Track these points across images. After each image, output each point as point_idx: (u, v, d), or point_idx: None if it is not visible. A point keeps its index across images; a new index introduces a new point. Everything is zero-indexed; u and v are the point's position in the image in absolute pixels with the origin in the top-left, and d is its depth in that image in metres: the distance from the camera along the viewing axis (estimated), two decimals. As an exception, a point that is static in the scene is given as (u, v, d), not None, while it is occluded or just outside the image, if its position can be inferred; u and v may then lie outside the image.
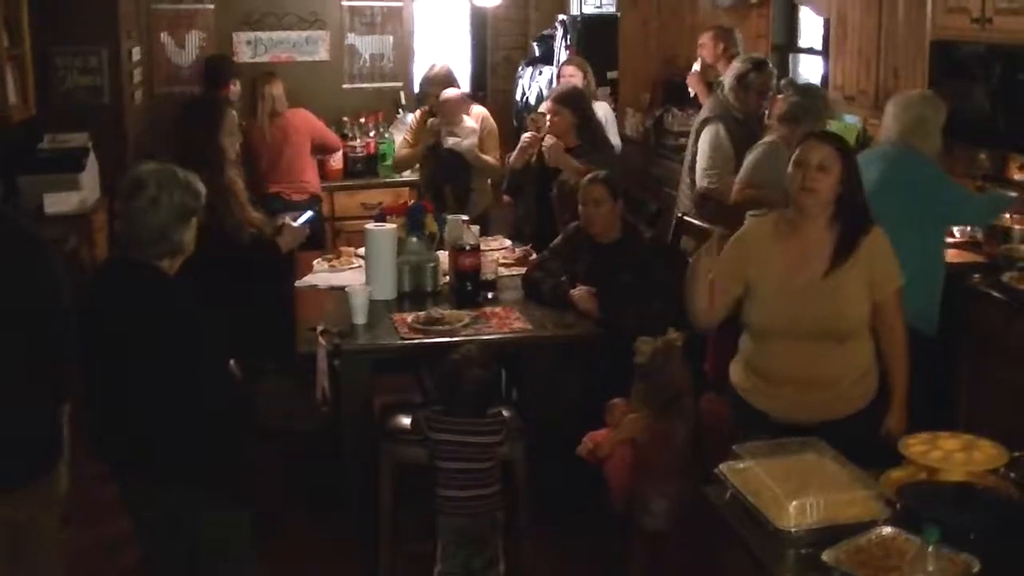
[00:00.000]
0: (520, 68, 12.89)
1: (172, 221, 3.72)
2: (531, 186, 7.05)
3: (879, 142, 5.42)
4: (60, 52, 7.68)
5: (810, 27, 8.77)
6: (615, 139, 7.95)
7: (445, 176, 7.44)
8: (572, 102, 7.01)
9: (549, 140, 6.82)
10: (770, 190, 5.50)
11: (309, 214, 6.10)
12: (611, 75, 10.90)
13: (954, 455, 3.21)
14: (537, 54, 12.88)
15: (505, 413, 4.90)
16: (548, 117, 6.92)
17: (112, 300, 3.74)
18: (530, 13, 13.66)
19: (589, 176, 5.88)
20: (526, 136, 7.03)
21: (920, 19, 6.32)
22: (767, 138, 6.36)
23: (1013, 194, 5.91)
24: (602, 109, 8.06)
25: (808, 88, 6.55)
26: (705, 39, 8.19)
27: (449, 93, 7.51)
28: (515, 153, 7.09)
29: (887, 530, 2.95)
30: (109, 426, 3.76)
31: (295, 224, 5.64)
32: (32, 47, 7.13)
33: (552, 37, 12.50)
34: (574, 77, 7.92)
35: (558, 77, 8.19)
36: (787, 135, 6.02)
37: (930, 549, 2.53)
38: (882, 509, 3.08)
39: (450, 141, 7.44)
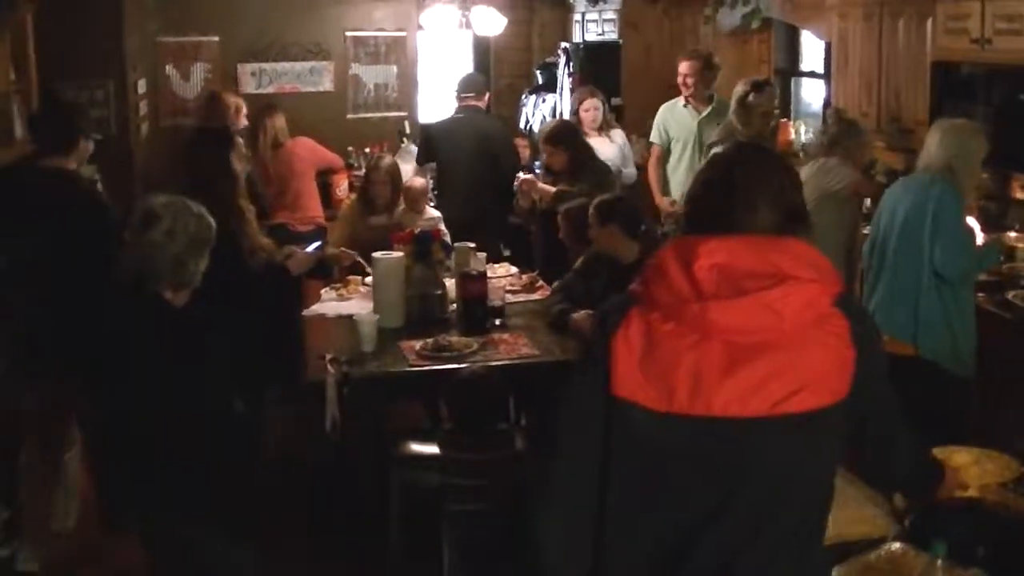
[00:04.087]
0: (523, 96, 12.97)
1: (188, 252, 3.75)
2: (533, 217, 7.15)
3: (918, 168, 5.30)
4: (66, 86, 7.71)
5: (811, 51, 8.82)
6: (631, 168, 8.08)
7: None
8: (564, 138, 7.32)
9: (521, 175, 6.98)
10: None
11: (318, 244, 6.13)
12: (615, 102, 10.94)
13: (968, 469, 3.22)
14: (540, 82, 12.96)
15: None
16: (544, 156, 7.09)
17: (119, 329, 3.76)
18: (533, 40, 13.74)
19: (596, 201, 5.92)
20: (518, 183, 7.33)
21: (920, 41, 6.37)
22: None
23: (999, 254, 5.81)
24: (620, 137, 8.25)
25: (852, 121, 6.50)
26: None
27: (416, 182, 7.58)
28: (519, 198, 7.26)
29: (896, 546, 2.96)
30: (117, 452, 3.78)
31: (305, 251, 5.66)
32: (38, 81, 7.15)
33: (555, 65, 12.56)
34: (598, 110, 8.22)
35: (576, 112, 8.26)
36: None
37: (939, 564, 2.54)
38: (891, 526, 3.09)
39: None
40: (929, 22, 6.26)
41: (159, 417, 3.64)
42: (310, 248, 5.80)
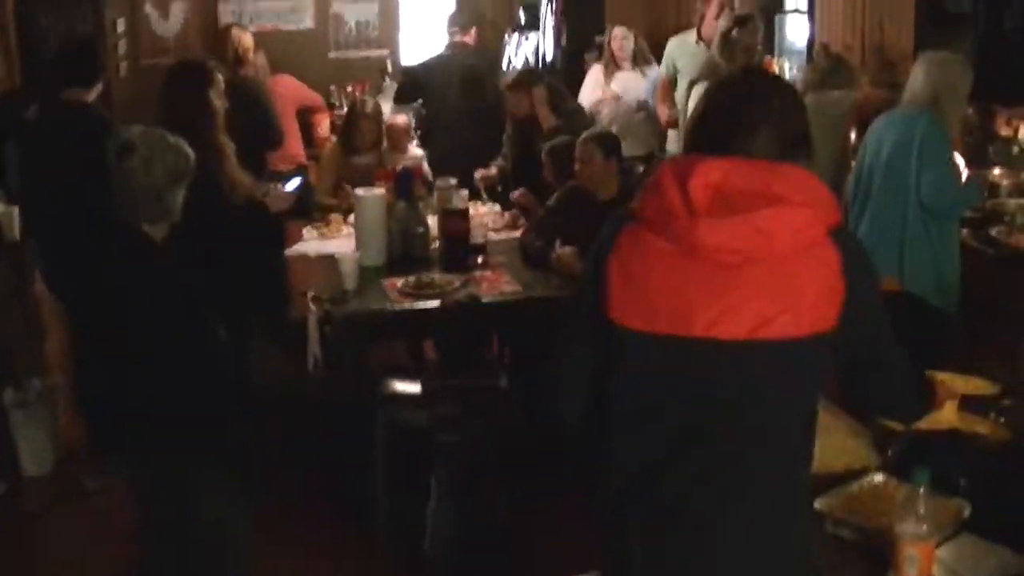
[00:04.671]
0: (506, 36, 12.85)
1: (165, 184, 3.70)
2: (513, 148, 7.06)
3: (903, 102, 5.23)
4: (43, 20, 7.59)
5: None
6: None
7: None
8: (529, 79, 7.10)
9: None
10: None
11: (298, 180, 6.07)
12: (598, 39, 10.86)
13: (953, 381, 3.21)
14: (523, 21, 12.84)
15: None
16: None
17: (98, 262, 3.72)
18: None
19: (583, 135, 5.87)
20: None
21: (904, -32, 6.33)
22: None
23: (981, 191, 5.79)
24: (654, 72, 8.16)
25: (839, 57, 6.44)
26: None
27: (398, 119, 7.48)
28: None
29: (878, 477, 2.98)
30: (98, 394, 3.75)
31: (284, 189, 5.61)
32: (15, 18, 7.06)
33: (538, 3, 12.46)
34: (627, 39, 8.19)
35: (608, 42, 8.19)
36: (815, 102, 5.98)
37: (920, 492, 2.54)
38: (873, 457, 3.10)
39: None
40: (915, -49, 6.23)
41: (140, 350, 3.61)
42: (290, 185, 5.75)
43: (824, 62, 6.25)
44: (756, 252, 2.28)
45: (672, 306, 2.33)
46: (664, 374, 2.38)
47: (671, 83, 7.92)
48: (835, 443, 3.09)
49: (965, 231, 5.49)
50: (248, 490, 3.95)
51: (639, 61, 8.18)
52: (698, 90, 6.91)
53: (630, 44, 8.17)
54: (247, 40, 7.42)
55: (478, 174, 7.00)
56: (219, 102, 5.19)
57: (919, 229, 5.01)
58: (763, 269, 2.28)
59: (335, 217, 6.52)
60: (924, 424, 2.97)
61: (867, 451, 3.12)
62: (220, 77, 5.34)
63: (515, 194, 6.66)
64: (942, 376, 3.14)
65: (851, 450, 3.11)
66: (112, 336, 3.65)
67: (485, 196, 7.05)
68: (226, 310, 3.93)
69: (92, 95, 5.83)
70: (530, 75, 7.32)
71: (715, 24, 7.63)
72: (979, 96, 5.71)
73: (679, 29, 8.22)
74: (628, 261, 2.40)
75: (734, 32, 6.93)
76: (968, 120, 6.24)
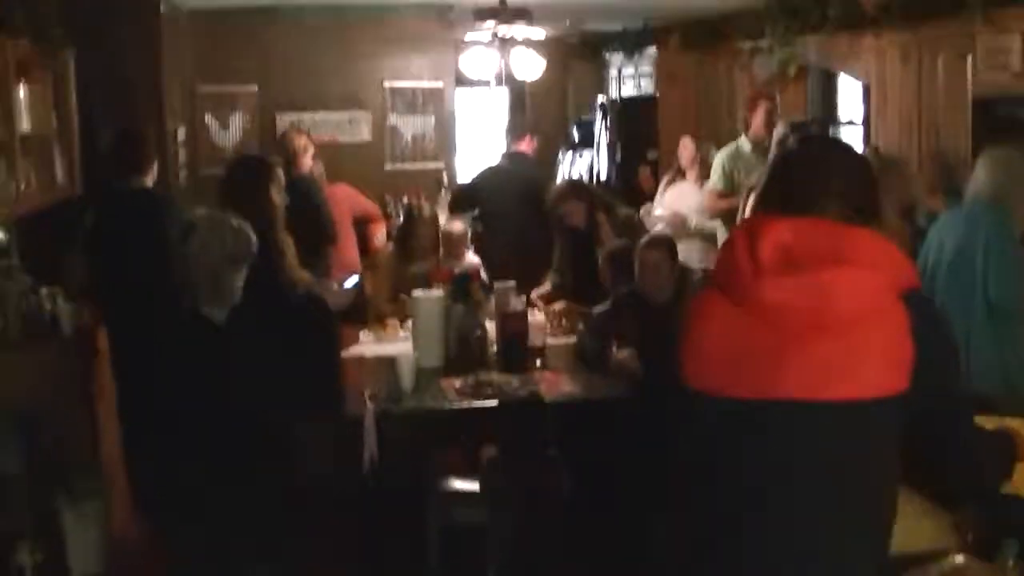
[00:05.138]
0: (560, 154, 13.01)
1: (223, 265, 3.72)
2: (567, 259, 7.07)
3: (966, 200, 5.21)
4: (107, 132, 7.72)
5: (848, 99, 8.79)
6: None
7: None
8: (577, 191, 7.18)
9: None
10: None
11: (356, 278, 6.09)
12: (651, 155, 10.95)
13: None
14: (576, 139, 13.01)
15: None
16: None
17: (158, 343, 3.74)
18: (568, 97, 13.81)
19: (647, 239, 5.86)
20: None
21: (960, 78, 6.33)
22: None
23: None
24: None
25: (889, 157, 6.41)
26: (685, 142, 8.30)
27: (455, 227, 7.51)
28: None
29: (959, 559, 2.88)
30: (152, 483, 3.74)
31: (343, 287, 5.62)
32: (80, 126, 7.20)
33: (591, 122, 12.62)
34: (688, 149, 8.43)
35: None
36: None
37: (1010, 564, 2.45)
38: (954, 538, 3.01)
39: None
40: (968, 58, 6.23)
41: (194, 427, 3.60)
42: (348, 283, 5.76)
43: (874, 162, 6.23)
44: (819, 312, 2.25)
45: (732, 367, 2.32)
46: (724, 435, 2.36)
47: (720, 195, 7.86)
48: (910, 524, 3.00)
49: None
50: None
51: (702, 173, 8.21)
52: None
53: (692, 154, 8.27)
54: (302, 140, 7.53)
55: (534, 293, 6.96)
56: (279, 198, 5.22)
57: (986, 328, 4.93)
58: (827, 330, 2.25)
59: (392, 322, 6.52)
60: (1009, 489, 2.87)
61: (946, 533, 3.03)
62: (280, 173, 5.38)
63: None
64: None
65: (928, 531, 3.02)
66: (169, 418, 3.64)
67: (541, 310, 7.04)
68: (281, 397, 3.92)
69: (149, 180, 6.14)
70: (578, 186, 7.39)
71: (762, 129, 7.67)
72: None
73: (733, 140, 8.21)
74: (695, 322, 2.42)
75: (791, 140, 6.90)
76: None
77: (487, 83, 9.79)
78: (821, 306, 2.24)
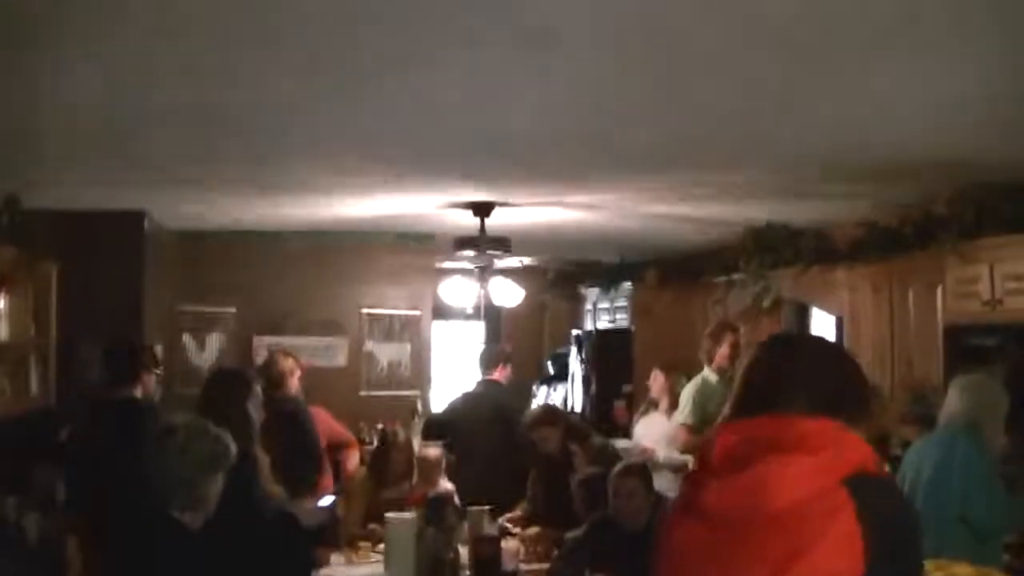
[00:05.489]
0: (535, 387, 13.07)
1: (200, 471, 3.70)
2: (541, 486, 7.04)
3: (939, 425, 5.28)
4: (84, 345, 7.75)
5: (821, 330, 8.90)
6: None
7: None
8: (552, 418, 7.27)
9: None
10: None
11: (331, 498, 6.03)
12: (626, 389, 11.01)
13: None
14: (552, 372, 13.08)
15: None
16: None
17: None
18: (544, 331, 13.95)
19: (621, 467, 5.85)
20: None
21: (930, 308, 6.44)
22: None
23: None
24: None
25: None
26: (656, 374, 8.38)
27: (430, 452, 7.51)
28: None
29: None
30: None
31: (316, 506, 5.56)
32: (57, 338, 7.22)
33: (566, 355, 12.71)
34: (656, 381, 8.48)
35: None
36: None
37: None
38: None
39: None
40: (939, 289, 6.35)
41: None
42: (322, 502, 5.70)
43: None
44: (755, 507, 2.19)
45: (680, 571, 2.31)
46: None
47: (690, 429, 7.77)
48: None
49: (1007, 556, 5.36)
50: None
51: (672, 406, 8.23)
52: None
53: (661, 386, 8.31)
54: (288, 363, 7.55)
55: (503, 519, 6.91)
56: (256, 412, 5.22)
57: (961, 550, 4.88)
58: (766, 526, 2.18)
59: (364, 545, 6.42)
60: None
61: None
62: (259, 388, 5.40)
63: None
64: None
65: None
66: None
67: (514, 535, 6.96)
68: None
69: (137, 391, 6.13)
70: (553, 412, 7.43)
71: (726, 360, 7.74)
72: (1013, 423, 5.69)
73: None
74: (660, 539, 2.41)
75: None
76: (1005, 448, 6.21)
77: (465, 314, 9.91)
78: (756, 502, 2.19)
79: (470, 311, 9.25)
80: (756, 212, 7.87)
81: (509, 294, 8.56)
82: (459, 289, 8.47)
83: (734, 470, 2.24)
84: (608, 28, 3.55)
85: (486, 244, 7.92)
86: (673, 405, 8.23)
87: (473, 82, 4.36)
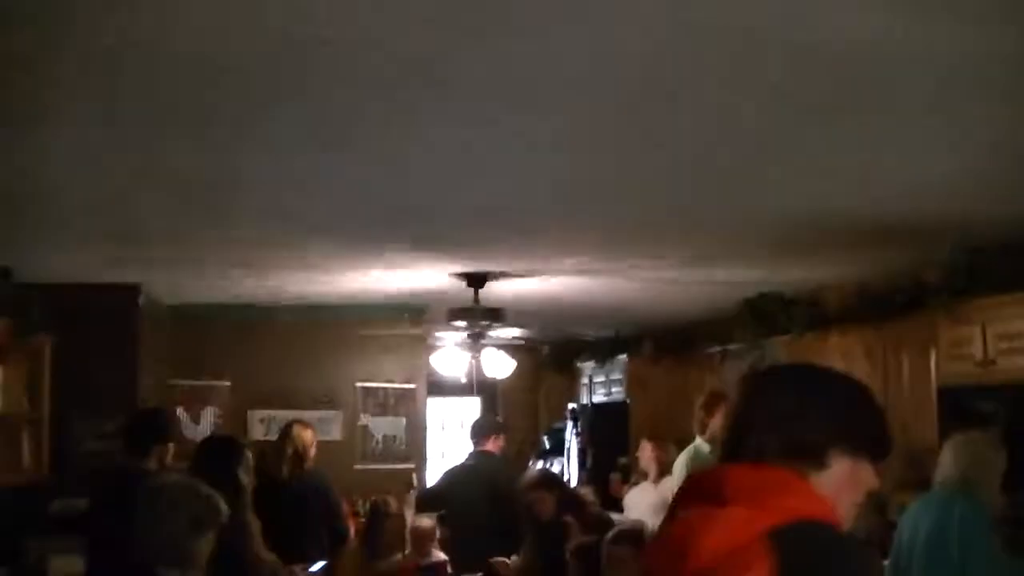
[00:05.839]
0: (531, 462, 13.01)
1: (187, 530, 3.67)
2: (535, 551, 7.00)
3: (935, 485, 5.22)
4: (78, 416, 7.73)
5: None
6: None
7: None
8: (548, 482, 7.26)
9: None
10: None
11: (321, 564, 6.00)
12: (623, 461, 10.96)
13: None
14: (548, 447, 13.04)
15: None
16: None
17: None
18: (539, 406, 13.93)
19: (613, 534, 5.82)
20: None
21: (924, 370, 6.45)
22: None
23: None
24: (670, 489, 8.17)
25: None
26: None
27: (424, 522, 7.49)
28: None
29: None
30: None
31: (308, 571, 5.53)
32: (50, 411, 7.20)
33: (562, 429, 12.68)
34: (645, 450, 8.43)
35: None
36: None
37: None
38: None
39: None
40: (932, 351, 6.36)
41: None
42: (314, 567, 5.67)
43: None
44: (676, 566, 1.98)
45: None
46: None
47: None
48: None
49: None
50: None
51: (662, 474, 8.20)
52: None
53: (649, 456, 8.30)
54: (308, 436, 7.52)
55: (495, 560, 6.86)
56: (246, 478, 5.21)
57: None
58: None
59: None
60: None
61: None
62: (249, 455, 5.39)
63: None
64: None
65: None
66: None
67: None
68: None
69: (152, 462, 5.97)
70: (549, 477, 7.39)
71: (720, 430, 7.66)
72: (1011, 483, 5.66)
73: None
74: None
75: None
76: (1002, 509, 6.17)
77: (460, 389, 9.88)
78: (676, 559, 1.98)
79: (464, 383, 9.21)
80: (747, 277, 7.90)
81: (500, 365, 8.56)
82: (451, 360, 8.47)
83: (668, 525, 2.10)
84: (601, 88, 3.58)
85: (480, 315, 7.93)
86: (662, 474, 8.20)
87: (462, 153, 4.41)
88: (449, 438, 12.90)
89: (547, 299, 8.87)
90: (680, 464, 7.78)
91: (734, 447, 2.13)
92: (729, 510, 1.95)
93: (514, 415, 12.94)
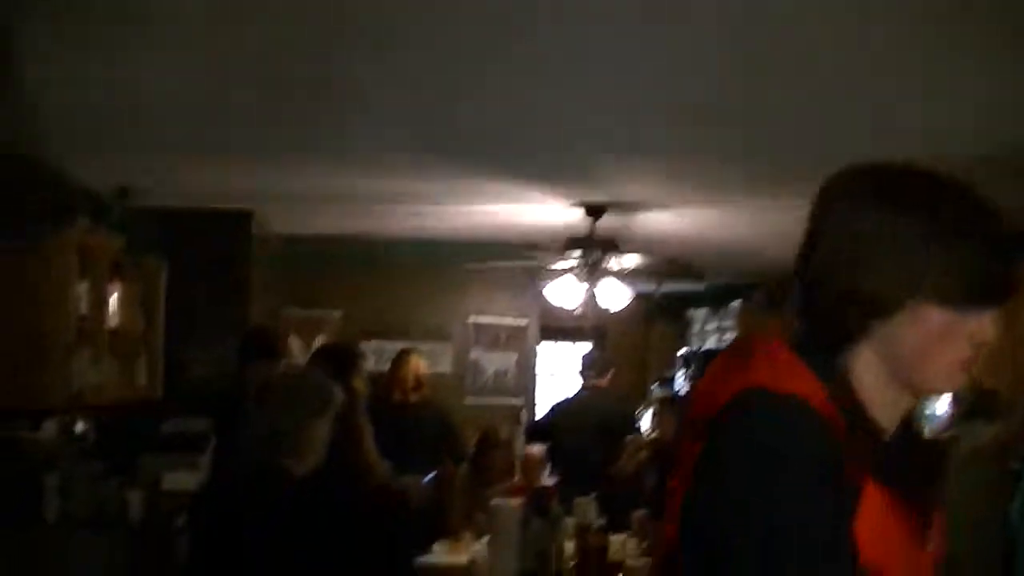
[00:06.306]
0: (638, 412, 12.86)
1: (302, 419, 3.58)
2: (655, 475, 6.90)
3: None
4: (189, 341, 7.74)
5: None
6: None
7: None
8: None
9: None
10: None
11: (432, 474, 5.91)
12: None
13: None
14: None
15: None
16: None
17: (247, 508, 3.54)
18: (648, 355, 13.75)
19: None
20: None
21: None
22: None
23: None
24: None
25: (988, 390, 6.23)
26: None
27: (534, 450, 7.36)
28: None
29: None
30: None
31: (422, 482, 5.44)
32: (165, 331, 7.22)
33: (671, 379, 12.53)
34: None
35: None
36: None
37: None
38: None
39: None
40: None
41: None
42: (428, 478, 5.58)
43: (971, 394, 6.02)
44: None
45: None
46: None
47: None
48: None
49: None
50: None
51: None
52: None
53: None
54: (422, 365, 7.59)
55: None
56: (361, 385, 5.14)
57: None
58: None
59: (466, 535, 6.27)
60: None
61: None
62: (364, 363, 5.33)
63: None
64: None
65: None
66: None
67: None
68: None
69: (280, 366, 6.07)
70: (675, 398, 7.25)
71: None
72: None
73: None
74: None
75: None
76: None
77: (570, 333, 9.73)
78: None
79: (577, 320, 8.98)
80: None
81: (617, 296, 8.31)
82: (566, 290, 8.25)
83: None
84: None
85: (596, 245, 7.76)
86: None
87: (581, 79, 4.28)
88: (559, 383, 12.76)
89: (664, 235, 8.65)
90: None
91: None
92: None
93: (620, 366, 12.78)
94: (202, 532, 3.67)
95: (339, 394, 3.75)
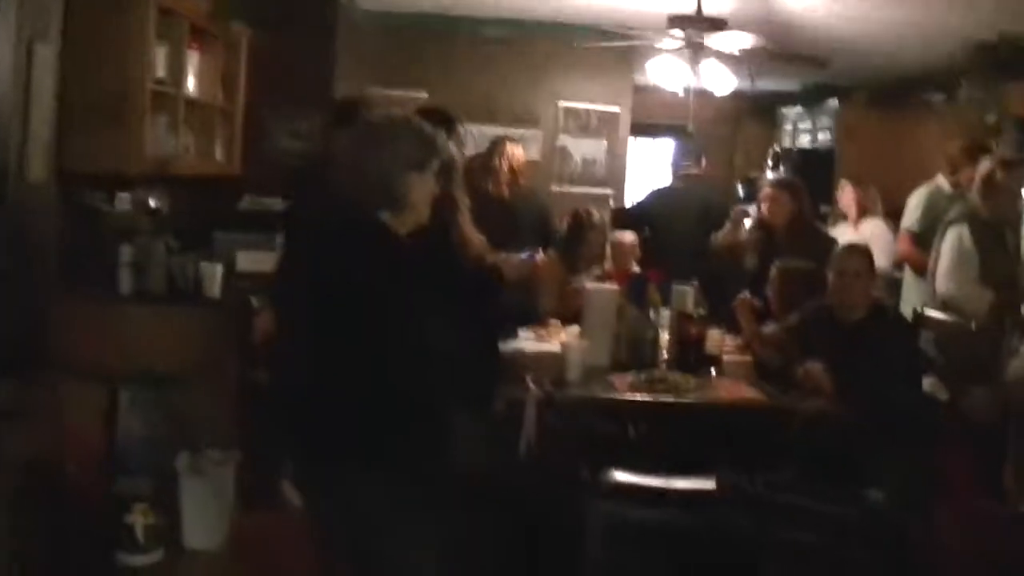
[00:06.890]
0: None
1: (398, 169, 3.26)
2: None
3: None
4: (272, 114, 7.48)
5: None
6: (885, 260, 7.39)
7: None
8: (794, 188, 6.77)
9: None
10: None
11: (528, 251, 5.61)
12: (824, 210, 10.43)
13: None
14: (742, 196, 12.51)
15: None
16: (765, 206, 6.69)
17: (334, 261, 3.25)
18: (736, 153, 13.37)
19: (846, 247, 5.42)
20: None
21: None
22: None
23: None
24: (869, 229, 8.10)
25: None
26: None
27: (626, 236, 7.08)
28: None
29: None
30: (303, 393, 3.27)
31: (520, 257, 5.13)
32: (245, 105, 6.94)
33: (757, 179, 12.11)
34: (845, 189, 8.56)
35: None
36: None
37: None
38: None
39: None
40: None
41: (359, 353, 3.14)
42: (525, 254, 5.28)
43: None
44: None
45: None
46: None
47: (914, 238, 7.17)
48: None
49: None
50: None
51: (864, 214, 8.23)
52: (953, 232, 6.21)
53: (850, 195, 8.29)
54: (520, 153, 7.28)
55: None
56: (458, 153, 4.81)
57: None
58: None
59: (554, 322, 6.03)
60: None
61: None
62: (461, 129, 5.01)
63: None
64: None
65: None
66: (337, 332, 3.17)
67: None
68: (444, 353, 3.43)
69: None
70: (794, 183, 6.87)
71: (971, 181, 6.88)
72: None
73: (916, 186, 7.48)
74: None
75: (998, 175, 6.22)
76: None
77: (662, 129, 9.33)
78: None
79: (680, 96, 8.48)
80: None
81: (722, 79, 7.85)
82: (668, 69, 7.78)
83: None
84: None
85: (701, 23, 7.28)
86: (861, 215, 8.23)
87: None
88: (647, 178, 12.43)
89: (765, 21, 8.15)
90: (919, 198, 7.20)
91: None
92: None
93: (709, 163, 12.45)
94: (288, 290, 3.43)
95: (446, 147, 3.43)
